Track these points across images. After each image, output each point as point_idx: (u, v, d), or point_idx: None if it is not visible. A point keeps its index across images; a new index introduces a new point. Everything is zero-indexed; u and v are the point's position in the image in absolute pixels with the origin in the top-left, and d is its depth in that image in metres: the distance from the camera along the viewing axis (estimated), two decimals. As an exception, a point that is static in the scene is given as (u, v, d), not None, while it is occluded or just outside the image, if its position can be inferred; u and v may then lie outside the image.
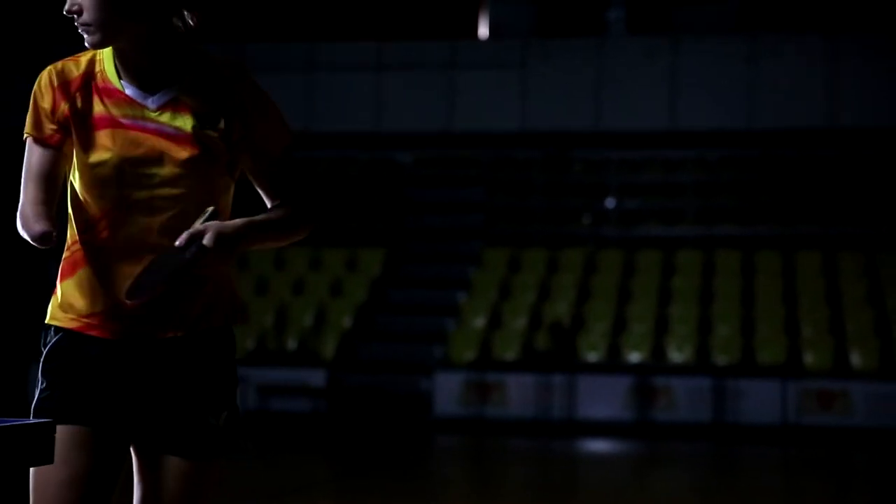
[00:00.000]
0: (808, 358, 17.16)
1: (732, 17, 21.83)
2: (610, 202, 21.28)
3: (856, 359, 17.10)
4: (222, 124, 3.11)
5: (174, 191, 3.06)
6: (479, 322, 18.41)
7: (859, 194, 20.43)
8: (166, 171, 3.07)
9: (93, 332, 3.03)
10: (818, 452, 14.67)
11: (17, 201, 3.07)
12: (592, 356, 17.49)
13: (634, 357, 17.43)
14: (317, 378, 17.13)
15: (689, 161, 21.27)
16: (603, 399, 16.53)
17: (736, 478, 12.83)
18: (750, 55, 20.82)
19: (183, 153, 3.07)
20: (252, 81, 3.18)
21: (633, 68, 21.09)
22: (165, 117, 3.06)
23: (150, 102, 3.07)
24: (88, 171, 3.05)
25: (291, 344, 18.17)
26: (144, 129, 3.05)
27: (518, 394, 16.71)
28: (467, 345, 17.73)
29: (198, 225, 3.00)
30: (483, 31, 22.89)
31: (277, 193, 3.25)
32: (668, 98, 21.04)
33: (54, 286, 3.12)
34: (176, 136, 3.07)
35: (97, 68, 3.09)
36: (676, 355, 17.43)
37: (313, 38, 22.49)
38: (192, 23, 3.16)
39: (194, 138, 3.08)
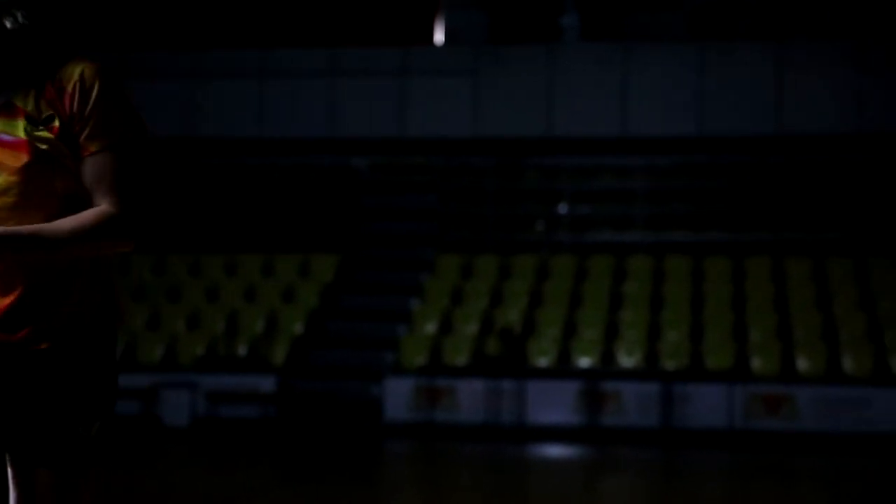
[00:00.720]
0: (756, 363, 17.32)
1: (683, 25, 22.01)
2: (562, 208, 21.39)
3: (802, 364, 17.28)
4: (57, 123, 2.98)
5: (8, 199, 2.96)
6: (431, 328, 18.45)
7: (808, 200, 20.65)
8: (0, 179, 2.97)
9: None
10: (765, 457, 14.81)
11: None
12: (543, 361, 17.57)
13: (584, 362, 17.53)
14: (267, 384, 17.10)
15: (640, 168, 21.42)
16: (552, 404, 16.61)
17: (684, 482, 12.93)
18: (700, 63, 20.99)
19: (16, 161, 2.96)
20: (99, 79, 3.02)
21: (585, 75, 21.22)
22: None
23: None
24: None
25: (242, 350, 18.13)
26: None
27: (468, 399, 16.76)
28: (418, 350, 17.77)
29: None
30: (439, 37, 22.96)
31: (96, 196, 3.05)
32: (620, 105, 21.18)
33: None
34: (9, 143, 2.97)
35: None
36: (626, 360, 17.54)
37: (267, 44, 22.47)
38: (25, 21, 3.01)
39: (28, 143, 2.97)
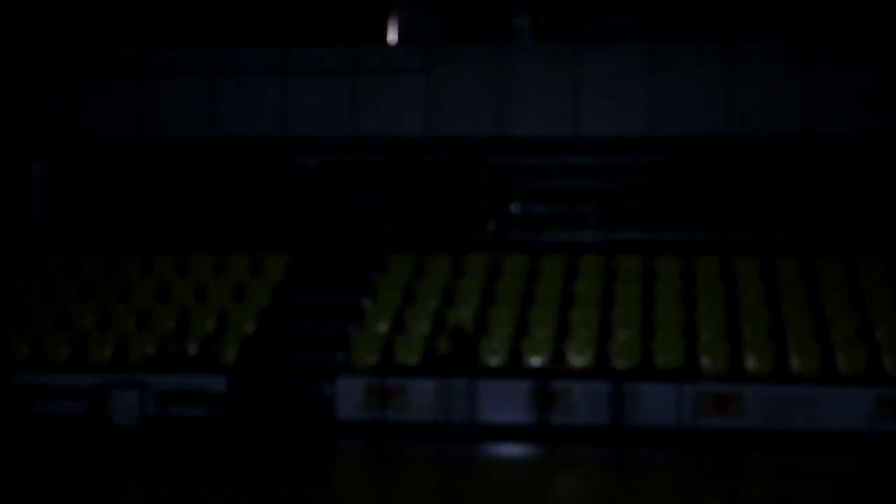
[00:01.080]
0: (705, 362, 17.45)
1: (635, 26, 22.13)
2: (514, 208, 21.45)
3: (751, 362, 17.43)
4: None
5: None
6: (383, 327, 18.44)
7: (757, 200, 20.82)
8: None
9: None
10: (713, 455, 14.92)
11: None
12: (494, 360, 17.62)
13: (535, 361, 17.59)
14: (218, 384, 17.03)
15: (591, 167, 21.51)
16: (504, 403, 16.66)
17: (634, 480, 13.01)
18: (651, 63, 21.12)
19: None
20: None
21: (537, 75, 21.28)
22: None
23: None
24: None
25: (192, 350, 18.04)
26: None
27: (420, 398, 16.77)
28: (370, 350, 17.76)
29: None
30: (391, 36, 22.95)
31: None
32: (572, 105, 21.26)
33: None
34: None
35: None
36: (577, 359, 17.62)
37: (218, 43, 22.36)
38: None
39: None
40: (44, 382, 17.13)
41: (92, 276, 19.88)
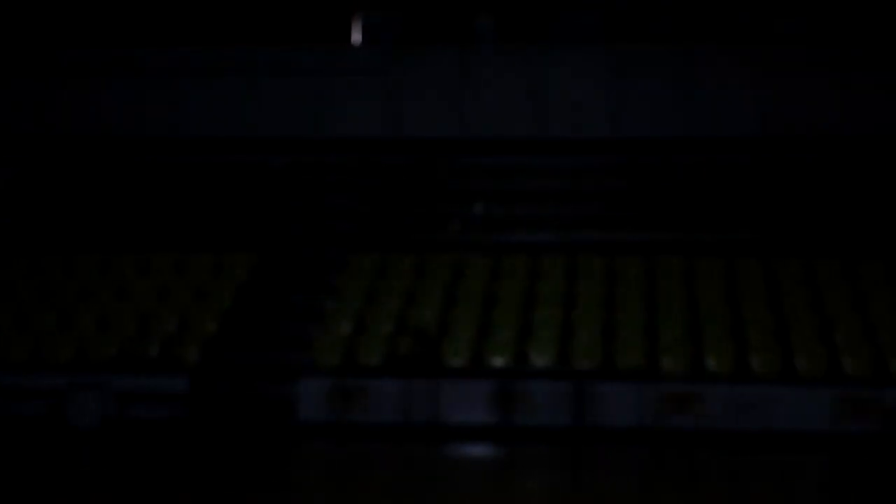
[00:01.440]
0: (666, 362, 17.53)
1: (601, 29, 22.20)
2: (477, 209, 21.47)
3: (711, 363, 17.52)
4: None
5: None
6: (345, 328, 18.42)
7: (717, 202, 20.93)
8: None
9: None
10: (674, 454, 14.99)
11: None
12: (457, 361, 17.63)
13: (498, 362, 17.62)
14: (179, 385, 16.96)
15: (554, 169, 21.57)
16: (466, 404, 16.68)
17: (594, 480, 13.06)
18: (616, 66, 21.19)
19: None
20: None
21: (500, 77, 21.31)
22: None
23: None
24: None
25: (154, 351, 17.96)
26: None
27: (382, 399, 16.77)
28: (332, 351, 17.73)
29: None
30: (356, 37, 22.93)
31: None
32: (535, 107, 21.31)
33: None
34: None
35: None
36: (539, 360, 17.66)
37: (183, 43, 22.28)
38: None
39: None
40: (2, 383, 17.01)
41: (51, 278, 19.75)
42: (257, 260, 20.47)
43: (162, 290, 19.49)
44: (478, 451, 15.53)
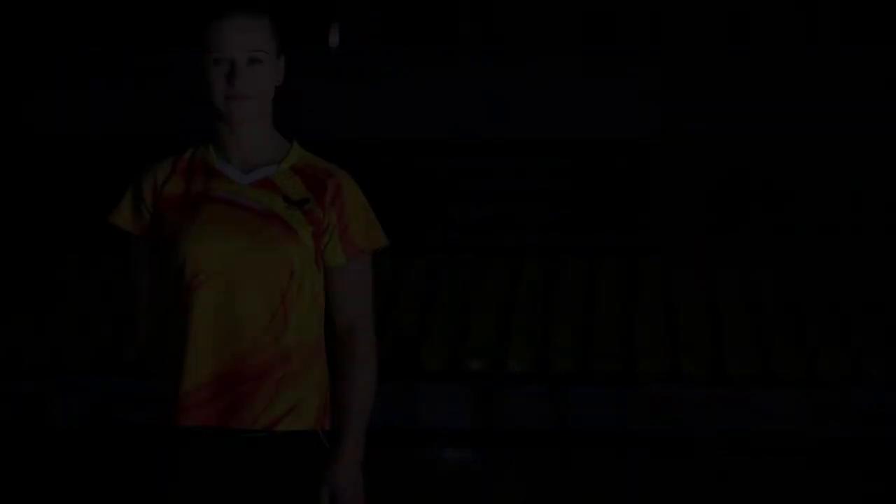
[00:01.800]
0: (644, 366, 17.59)
1: (579, 32, 22.21)
2: (456, 210, 21.50)
3: (688, 366, 17.59)
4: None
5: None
6: (324, 331, 18.42)
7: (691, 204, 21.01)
8: None
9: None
10: (652, 457, 15.08)
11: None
12: (435, 364, 17.66)
13: (476, 365, 17.65)
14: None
15: (536, 169, 21.60)
16: (444, 407, 16.72)
17: (574, 483, 13.13)
18: (588, 67, 21.25)
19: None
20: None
21: (478, 78, 21.36)
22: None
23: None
24: None
25: (132, 353, 17.94)
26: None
27: (361, 402, 16.77)
28: (311, 354, 17.71)
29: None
30: (333, 39, 22.92)
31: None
32: (519, 107, 21.34)
33: None
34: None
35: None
36: (516, 364, 17.70)
37: (153, 42, 22.23)
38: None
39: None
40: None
41: (30, 279, 19.71)
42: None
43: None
44: (456, 454, 15.58)
